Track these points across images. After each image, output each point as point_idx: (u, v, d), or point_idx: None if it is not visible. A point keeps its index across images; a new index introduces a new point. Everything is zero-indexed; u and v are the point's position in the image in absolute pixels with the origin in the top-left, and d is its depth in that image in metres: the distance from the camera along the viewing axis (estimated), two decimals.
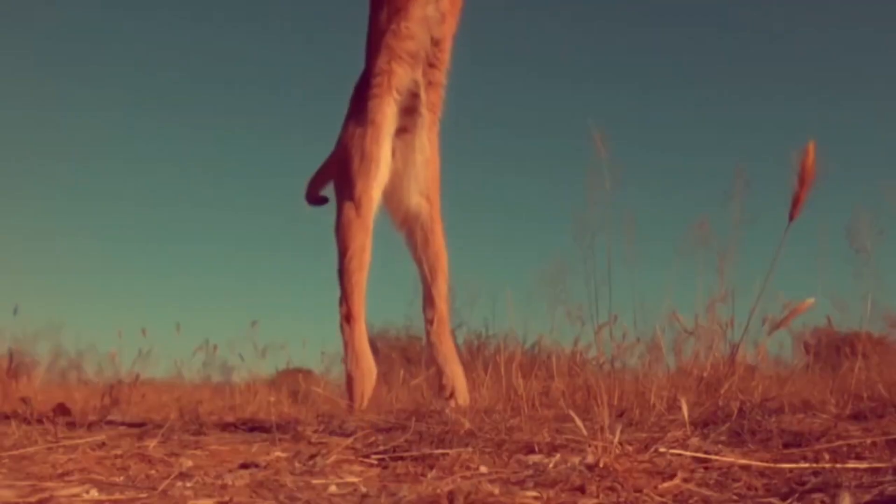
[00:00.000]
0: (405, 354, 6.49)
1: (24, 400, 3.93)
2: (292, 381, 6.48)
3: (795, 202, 2.69)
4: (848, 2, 13.60)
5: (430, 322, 2.52)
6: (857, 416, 2.56)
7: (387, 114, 2.38)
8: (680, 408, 2.26)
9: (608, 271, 3.79)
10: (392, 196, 2.50)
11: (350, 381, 2.30)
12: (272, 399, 5.00)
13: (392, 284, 6.36)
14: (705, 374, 3.26)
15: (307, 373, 7.11)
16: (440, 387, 2.52)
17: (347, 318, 2.37)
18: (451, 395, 2.49)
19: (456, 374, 2.50)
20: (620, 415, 2.94)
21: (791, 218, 2.73)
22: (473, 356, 4.69)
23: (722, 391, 2.95)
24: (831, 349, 4.79)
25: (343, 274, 2.37)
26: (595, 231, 3.87)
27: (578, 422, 1.94)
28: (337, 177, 2.49)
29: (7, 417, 3.64)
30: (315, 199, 3.02)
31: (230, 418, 4.11)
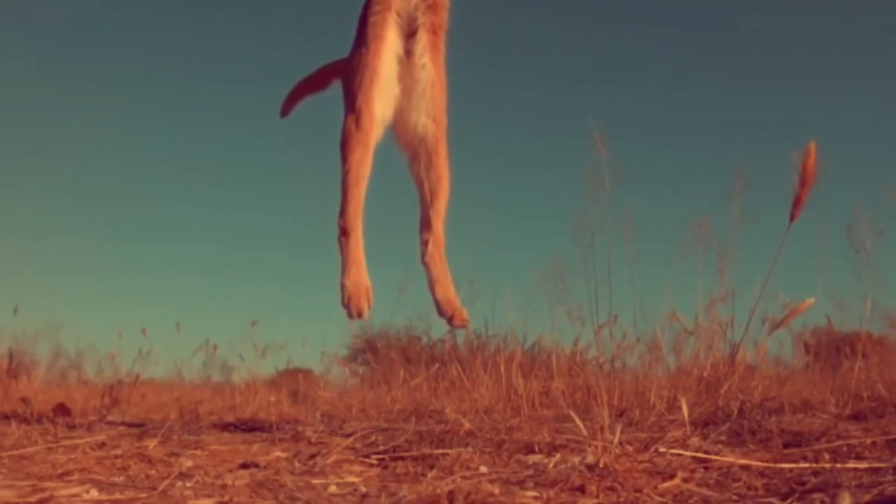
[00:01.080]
0: (405, 354, 6.48)
1: (24, 400, 3.93)
2: (292, 381, 6.48)
3: (796, 202, 2.69)
4: (848, 2, 13.60)
5: (424, 244, 2.51)
6: (857, 416, 2.56)
7: (388, 32, 2.39)
8: (680, 408, 2.26)
9: (608, 271, 3.79)
10: (398, 119, 2.49)
11: (342, 291, 2.28)
12: (272, 399, 5.00)
13: (392, 284, 6.35)
14: (705, 374, 3.26)
15: (307, 373, 7.10)
16: (436, 304, 2.49)
17: (343, 230, 2.37)
18: (450, 315, 2.45)
19: (448, 295, 2.47)
20: (620, 415, 2.94)
21: (792, 218, 2.72)
22: (473, 356, 4.69)
23: (722, 391, 2.95)
24: (831, 349, 4.79)
25: (341, 187, 2.37)
26: (595, 231, 3.88)
27: (578, 422, 1.94)
28: (344, 94, 2.50)
29: (7, 417, 3.64)
30: (287, 112, 3.03)
31: (230, 418, 4.11)
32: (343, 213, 2.37)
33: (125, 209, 13.44)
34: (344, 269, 2.34)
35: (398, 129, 2.50)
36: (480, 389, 3.60)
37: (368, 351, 7.73)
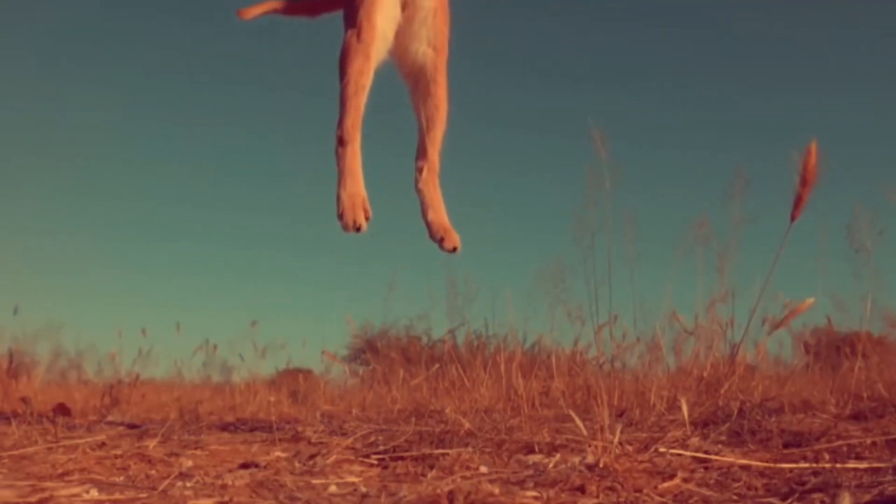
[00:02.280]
0: (405, 354, 6.48)
1: (24, 400, 3.92)
2: (292, 381, 6.48)
3: (797, 202, 2.68)
4: (848, 2, 13.59)
5: (419, 171, 2.49)
6: (857, 416, 2.56)
7: None
8: (680, 408, 2.26)
9: (608, 271, 3.80)
10: (399, 46, 2.49)
11: (337, 203, 2.24)
12: (272, 399, 5.00)
13: (395, 288, 6.34)
14: (705, 374, 3.26)
15: (307, 373, 7.10)
16: (427, 227, 2.46)
17: (340, 140, 2.33)
18: (441, 237, 2.42)
19: (441, 218, 2.44)
20: (620, 415, 2.94)
21: (793, 218, 2.72)
22: (473, 356, 4.69)
23: (722, 391, 2.95)
24: (831, 349, 4.79)
25: (340, 99, 2.34)
26: (595, 231, 3.88)
27: (578, 422, 1.94)
28: (344, 18, 2.47)
29: (7, 417, 3.64)
30: (249, 15, 2.86)
31: (230, 418, 4.11)
32: (341, 122, 2.31)
33: (125, 209, 13.43)
34: (340, 181, 2.26)
35: (399, 56, 2.49)
36: (480, 389, 3.60)
37: (368, 351, 7.74)
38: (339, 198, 2.23)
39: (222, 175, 13.88)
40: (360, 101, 2.34)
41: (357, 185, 2.25)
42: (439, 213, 2.43)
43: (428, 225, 2.43)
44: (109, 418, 4.27)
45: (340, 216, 2.20)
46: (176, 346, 9.48)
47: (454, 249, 2.43)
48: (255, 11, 2.88)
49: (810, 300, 2.94)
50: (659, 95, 13.50)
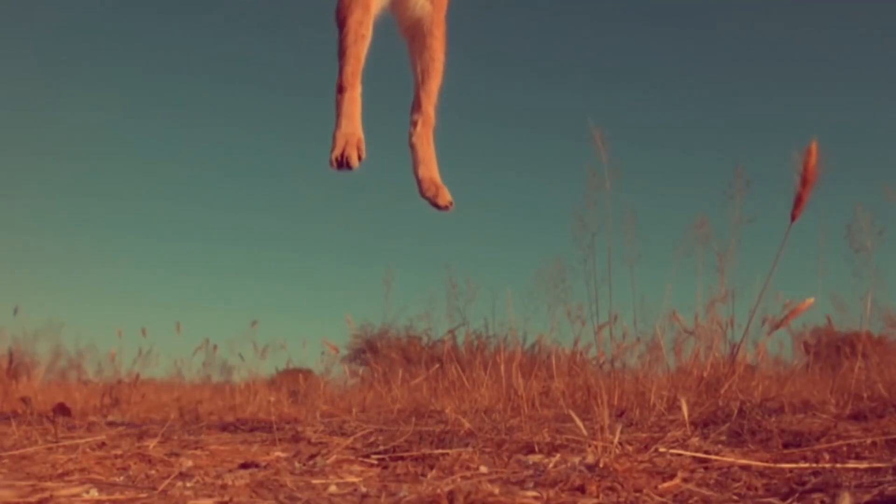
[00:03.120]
0: (405, 354, 6.48)
1: (24, 400, 3.93)
2: (292, 381, 6.48)
3: (798, 202, 2.68)
4: (848, 2, 13.59)
5: (413, 124, 2.47)
6: (857, 416, 2.56)
7: None
8: (680, 408, 2.26)
9: (608, 271, 3.80)
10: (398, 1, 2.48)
11: (333, 141, 2.20)
12: (272, 399, 4.99)
13: (391, 286, 6.34)
14: (705, 374, 3.26)
15: (307, 373, 7.10)
16: (418, 183, 2.43)
17: (340, 87, 2.30)
18: (434, 193, 2.39)
19: (432, 174, 2.41)
20: (620, 415, 2.94)
21: (793, 218, 2.71)
22: (473, 356, 4.69)
23: (722, 391, 2.95)
24: (831, 349, 4.79)
25: (339, 48, 2.31)
26: (595, 231, 3.89)
27: (578, 422, 1.94)
28: None
29: (7, 417, 3.64)
30: None
31: (230, 418, 4.11)
32: (341, 71, 2.28)
33: (125, 209, 13.41)
34: (337, 123, 2.23)
35: (398, 10, 2.48)
36: (480, 389, 3.60)
37: (368, 351, 7.74)
38: (334, 137, 2.18)
39: (222, 175, 13.86)
40: (359, 50, 2.30)
41: (353, 126, 2.19)
42: (431, 169, 2.39)
43: (419, 181, 2.38)
44: (109, 418, 4.27)
45: (333, 153, 2.14)
46: (176, 346, 9.50)
47: (448, 205, 2.37)
48: None
49: (810, 300, 2.93)
50: (659, 95, 13.49)
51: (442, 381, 4.22)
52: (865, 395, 2.87)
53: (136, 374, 5.95)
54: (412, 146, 2.44)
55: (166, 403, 5.42)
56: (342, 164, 2.13)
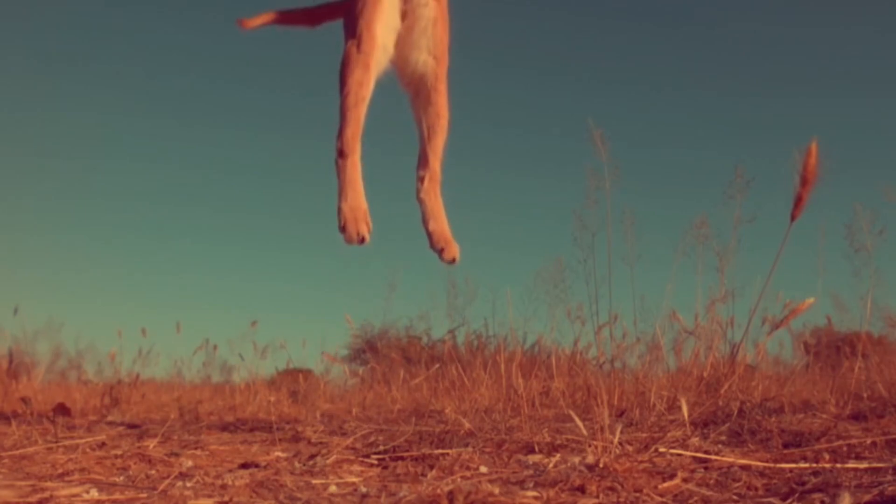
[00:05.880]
0: (405, 354, 6.48)
1: (24, 400, 3.92)
2: (292, 381, 6.48)
3: (798, 202, 2.68)
4: (848, 2, 13.59)
5: (420, 180, 2.50)
6: (857, 416, 2.56)
7: None
8: (680, 408, 2.26)
9: (608, 271, 3.80)
10: (399, 55, 2.49)
11: (339, 216, 2.24)
12: (272, 399, 5.00)
13: (395, 289, 6.34)
14: (705, 374, 3.26)
15: (307, 373, 7.10)
16: (428, 237, 2.47)
17: (340, 152, 2.33)
18: (441, 248, 2.42)
19: (442, 228, 2.45)
20: (620, 415, 2.94)
21: (793, 218, 2.71)
22: (473, 356, 4.69)
23: (722, 391, 2.95)
24: (831, 349, 4.79)
25: (340, 109, 2.34)
26: (595, 231, 3.89)
27: (578, 422, 1.94)
28: (345, 29, 2.47)
29: (7, 417, 3.64)
30: (251, 25, 2.87)
31: (230, 418, 4.11)
32: (341, 134, 2.31)
33: (125, 209, 13.41)
34: (340, 193, 2.27)
35: (399, 65, 2.49)
36: (480, 389, 3.60)
37: (368, 351, 7.74)
38: (340, 210, 2.24)
39: (222, 175, 13.86)
40: (359, 113, 2.34)
41: (358, 198, 2.26)
42: (440, 223, 2.44)
43: (429, 235, 2.44)
44: (109, 418, 4.28)
45: (343, 229, 2.21)
46: (176, 346, 9.49)
47: (453, 261, 2.44)
48: (256, 22, 2.90)
49: (810, 300, 2.93)
50: (659, 95, 13.48)
51: (442, 381, 4.23)
52: (865, 395, 2.87)
53: (136, 374, 5.95)
54: (421, 201, 2.49)
55: (166, 403, 5.42)
56: (354, 241, 2.21)
